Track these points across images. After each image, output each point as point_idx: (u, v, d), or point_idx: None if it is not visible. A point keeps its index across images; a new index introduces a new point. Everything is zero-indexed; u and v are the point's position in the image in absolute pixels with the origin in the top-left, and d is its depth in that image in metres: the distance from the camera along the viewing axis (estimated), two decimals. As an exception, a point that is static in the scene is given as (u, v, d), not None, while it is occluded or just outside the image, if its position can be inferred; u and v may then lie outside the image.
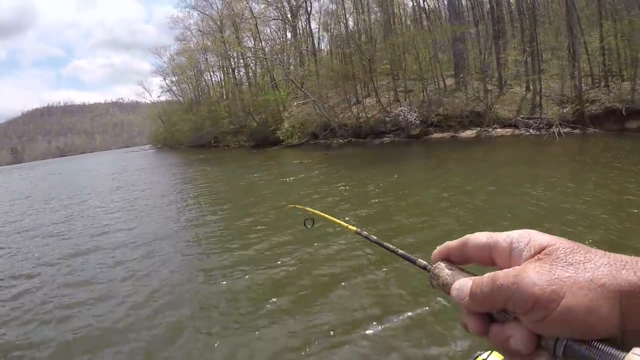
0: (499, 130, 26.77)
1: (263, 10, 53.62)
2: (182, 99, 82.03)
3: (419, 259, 0.72)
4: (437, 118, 30.36)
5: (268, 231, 9.79)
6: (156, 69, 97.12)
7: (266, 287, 6.65)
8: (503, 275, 0.54)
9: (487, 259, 0.61)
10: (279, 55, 52.19)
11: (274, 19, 55.39)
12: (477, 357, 0.89)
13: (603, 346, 0.48)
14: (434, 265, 0.66)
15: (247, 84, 58.90)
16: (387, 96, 36.75)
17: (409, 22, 45.67)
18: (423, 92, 33.45)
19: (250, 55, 54.01)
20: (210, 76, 70.77)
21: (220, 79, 68.40)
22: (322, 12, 51.28)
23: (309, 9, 51.31)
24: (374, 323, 5.05)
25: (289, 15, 53.87)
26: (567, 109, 24.17)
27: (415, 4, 43.24)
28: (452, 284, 0.62)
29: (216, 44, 55.77)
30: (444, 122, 30.06)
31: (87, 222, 14.09)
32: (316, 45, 52.77)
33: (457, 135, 28.54)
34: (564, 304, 0.48)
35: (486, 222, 8.34)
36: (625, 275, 0.48)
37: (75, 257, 9.68)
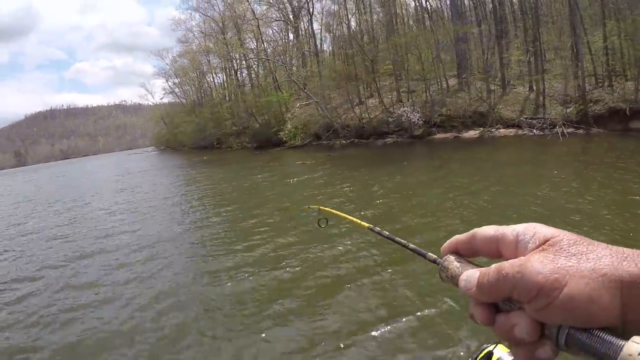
0: (502, 130, 26.72)
1: (265, 12, 53.62)
2: (184, 100, 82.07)
3: (429, 253, 0.75)
4: (440, 118, 30.31)
5: (272, 232, 9.78)
6: (158, 71, 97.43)
7: (271, 288, 6.62)
8: (508, 265, 0.56)
9: (495, 252, 0.63)
10: (282, 57, 52.26)
11: (276, 20, 55.38)
12: (483, 350, 0.89)
13: (604, 334, 0.49)
14: (443, 258, 0.68)
15: (249, 85, 58.94)
16: (390, 97, 36.70)
17: (411, 22, 45.62)
18: (426, 92, 33.40)
19: (253, 57, 54.06)
20: (213, 78, 70.80)
21: (223, 80, 68.51)
22: (324, 12, 51.33)
23: (311, 9, 51.27)
24: (381, 324, 5.03)
25: (291, 17, 53.89)
26: (571, 109, 24.13)
27: (417, 4, 43.27)
28: (460, 276, 0.64)
29: (218, 46, 55.80)
30: (447, 122, 30.01)
31: (91, 225, 14.08)
32: (318, 46, 52.75)
33: (460, 135, 28.51)
34: (566, 291, 0.50)
35: (490, 222, 8.14)
36: (626, 267, 0.50)
37: (79, 260, 9.69)
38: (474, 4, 37.41)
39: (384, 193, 12.91)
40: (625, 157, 14.39)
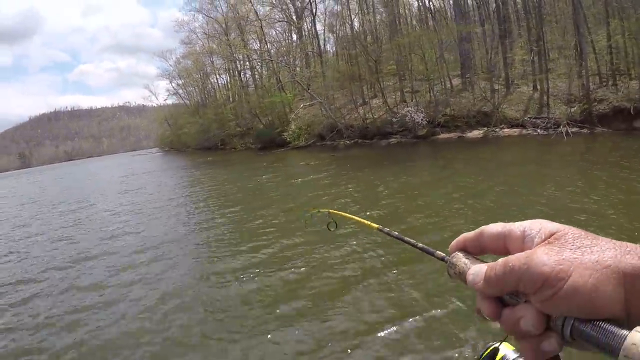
0: (506, 130, 26.68)
1: (268, 13, 53.77)
2: (188, 102, 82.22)
3: (437, 251, 0.76)
4: (444, 118, 30.27)
5: (278, 233, 9.77)
6: (162, 73, 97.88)
7: (277, 289, 6.60)
8: (515, 258, 0.57)
9: (502, 248, 0.64)
10: (285, 57, 52.28)
11: (279, 21, 55.52)
12: (488, 347, 0.91)
13: (607, 325, 0.50)
14: (451, 255, 0.70)
15: (253, 86, 58.98)
16: (394, 97, 36.74)
17: (414, 22, 45.62)
18: (430, 92, 33.42)
19: (256, 58, 54.14)
20: (217, 79, 70.95)
21: (227, 81, 68.54)
22: (327, 13, 51.42)
23: (314, 10, 51.34)
24: (388, 325, 5.02)
25: (294, 17, 53.92)
26: (575, 108, 24.07)
27: (420, 4, 43.28)
28: (468, 271, 0.65)
29: (222, 47, 55.84)
30: (451, 122, 29.97)
31: (95, 226, 14.13)
32: (322, 46, 52.81)
33: (464, 135, 28.47)
34: (571, 282, 0.51)
35: (496, 222, 8.28)
36: (629, 259, 0.52)
37: (84, 261, 9.69)
38: (477, 3, 37.41)
39: (389, 193, 12.91)
40: (629, 156, 14.36)
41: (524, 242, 0.61)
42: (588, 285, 0.51)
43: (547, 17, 31.19)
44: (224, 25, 55.99)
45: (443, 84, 33.92)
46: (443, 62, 33.95)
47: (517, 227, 0.62)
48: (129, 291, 7.35)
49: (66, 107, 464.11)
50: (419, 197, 11.98)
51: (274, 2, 53.07)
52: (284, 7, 53.80)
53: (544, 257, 0.54)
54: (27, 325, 6.49)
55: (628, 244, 0.54)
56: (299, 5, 52.96)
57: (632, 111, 21.12)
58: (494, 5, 34.65)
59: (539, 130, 24.43)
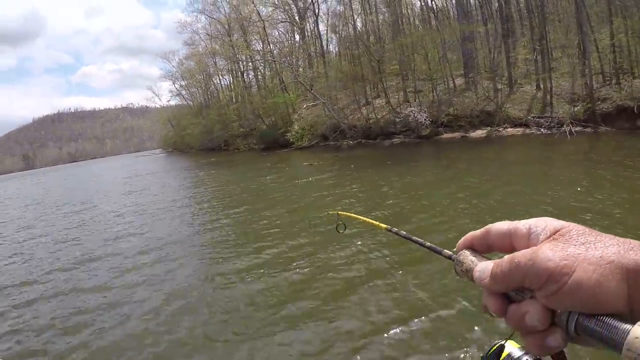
0: (509, 129, 26.63)
1: (271, 13, 53.74)
2: (191, 103, 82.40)
3: (445, 250, 0.78)
4: (447, 118, 30.25)
5: (282, 234, 9.77)
6: (165, 74, 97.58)
7: (283, 290, 6.59)
8: (520, 254, 0.58)
9: (509, 246, 0.66)
10: (288, 58, 52.36)
11: (282, 22, 55.49)
12: (494, 345, 0.93)
13: (611, 320, 0.51)
14: (458, 254, 0.72)
15: (256, 86, 59.06)
16: (397, 97, 36.69)
17: (417, 22, 45.62)
18: (433, 92, 33.38)
19: (259, 58, 54.13)
20: (220, 80, 71.11)
21: (230, 82, 68.80)
22: (329, 13, 51.43)
23: (316, 10, 51.36)
24: (395, 325, 5.01)
25: (296, 18, 53.95)
26: (578, 107, 24.00)
27: (423, 3, 43.18)
28: (474, 268, 0.67)
29: (225, 48, 55.87)
30: (454, 122, 29.96)
31: (99, 227, 14.16)
32: (325, 47, 52.83)
33: (467, 135, 28.44)
34: (575, 277, 0.52)
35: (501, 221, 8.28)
36: (632, 256, 0.52)
37: (88, 263, 9.70)
38: (479, 2, 37.32)
39: (394, 193, 12.90)
40: (633, 155, 14.34)
41: (529, 240, 0.62)
42: (592, 281, 0.52)
43: (550, 16, 31.10)
44: (226, 26, 56.02)
45: (446, 83, 33.89)
46: (446, 62, 33.95)
47: (522, 224, 0.64)
48: (133, 292, 7.35)
49: (69, 109, 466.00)
50: (424, 197, 11.97)
51: (277, 3, 53.11)
52: (287, 7, 53.86)
53: (549, 253, 0.55)
54: (32, 326, 6.50)
55: (631, 240, 0.55)
56: (302, 5, 52.95)
57: (635, 110, 21.06)
58: (497, 4, 34.55)
59: (542, 130, 24.39)
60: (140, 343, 5.54)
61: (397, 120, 32.69)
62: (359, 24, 45.86)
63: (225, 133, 57.67)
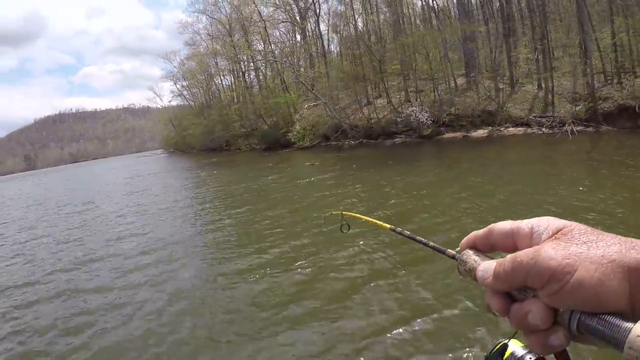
0: (511, 129, 26.60)
1: (272, 13, 53.70)
2: (193, 103, 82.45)
3: (448, 249, 0.78)
4: (449, 118, 30.21)
5: (285, 234, 9.76)
6: (166, 74, 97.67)
7: (286, 291, 6.57)
8: (523, 254, 0.59)
9: (511, 245, 0.66)
10: (289, 58, 52.31)
11: (283, 22, 55.41)
12: (497, 344, 0.94)
13: (613, 318, 0.51)
14: (461, 253, 0.73)
15: (257, 87, 59.12)
16: (398, 96, 36.65)
17: (418, 21, 45.60)
18: (434, 91, 33.34)
19: (260, 59, 54.13)
20: (221, 80, 71.06)
21: (231, 82, 68.82)
22: (330, 13, 51.40)
23: (317, 10, 51.33)
24: (398, 325, 5.00)
25: (297, 18, 53.91)
26: (580, 106, 23.99)
27: (424, 3, 43.11)
28: (477, 267, 0.67)
29: (226, 48, 55.93)
30: (456, 121, 29.92)
31: (101, 228, 14.14)
32: (326, 46, 52.70)
33: (469, 135, 28.41)
34: (577, 276, 0.53)
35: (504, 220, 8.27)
36: (634, 254, 0.53)
37: (90, 263, 9.69)
38: (480, 2, 37.34)
39: (396, 193, 12.88)
40: (635, 154, 14.32)
41: (532, 239, 0.63)
42: (594, 279, 0.52)
43: (551, 15, 31.08)
44: (227, 27, 56.06)
45: (447, 83, 33.87)
46: (447, 62, 33.93)
47: (525, 224, 0.65)
48: (135, 293, 7.34)
49: (71, 109, 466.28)
50: (426, 197, 11.94)
51: (278, 3, 53.06)
52: (288, 7, 53.79)
53: (551, 252, 0.56)
54: (34, 327, 6.50)
55: (633, 239, 0.55)
56: (303, 5, 52.93)
57: (637, 109, 21.02)
58: (498, 4, 34.53)
59: (544, 129, 24.38)
60: (142, 344, 5.52)
61: (399, 120, 32.67)
62: (360, 24, 45.91)
63: (226, 133, 57.68)
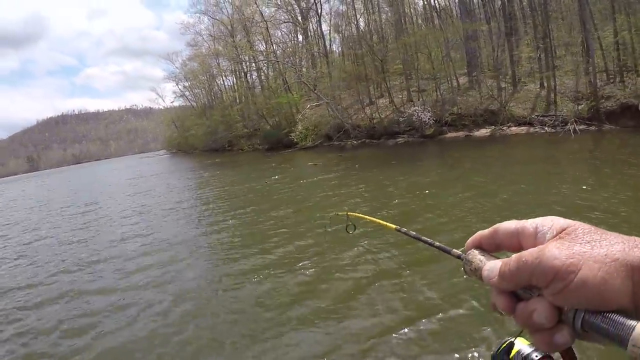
0: (513, 128, 26.57)
1: (273, 14, 53.72)
2: (195, 103, 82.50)
3: (454, 249, 0.80)
4: (451, 117, 30.18)
5: (289, 235, 9.73)
6: (168, 75, 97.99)
7: (291, 291, 6.54)
8: (527, 253, 0.60)
9: (516, 245, 0.67)
10: (291, 58, 52.38)
11: (285, 22, 55.43)
12: (503, 343, 0.95)
13: (616, 316, 0.52)
14: (467, 253, 0.74)
15: (259, 87, 59.22)
16: (400, 96, 36.69)
17: (420, 21, 45.55)
18: (436, 91, 33.37)
19: (262, 59, 54.27)
20: (223, 80, 71.14)
21: (233, 83, 68.82)
22: (332, 13, 51.43)
23: (319, 10, 51.27)
24: (404, 325, 4.99)
25: (299, 18, 53.93)
26: (582, 105, 23.97)
27: (425, 2, 43.25)
28: (483, 267, 0.68)
29: (228, 49, 56.05)
30: (458, 121, 29.89)
31: (105, 229, 14.13)
32: (328, 47, 52.68)
33: (471, 134, 28.40)
34: (581, 275, 0.54)
35: (509, 220, 8.24)
36: (637, 253, 0.54)
37: (94, 264, 9.64)
38: (482, 1, 37.27)
39: (399, 193, 12.84)
40: (638, 153, 14.32)
41: (536, 238, 0.63)
42: (597, 278, 0.53)
43: (553, 13, 31.04)
44: (229, 27, 56.16)
45: (450, 82, 33.80)
46: (449, 61, 33.86)
47: (530, 224, 0.66)
48: (140, 294, 7.31)
49: (73, 111, 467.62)
50: (429, 197, 11.92)
51: (279, 3, 53.11)
52: (289, 8, 53.81)
53: (555, 251, 0.56)
54: (37, 329, 6.47)
55: (636, 238, 0.56)
56: (304, 5, 52.98)
57: (639, 108, 21.01)
58: (500, 2, 34.55)
59: (546, 128, 24.38)
60: (147, 345, 5.51)
61: (401, 119, 32.68)
62: (361, 24, 45.96)
63: (229, 134, 57.71)
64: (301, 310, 5.87)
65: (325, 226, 9.09)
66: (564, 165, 14.36)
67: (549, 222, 0.64)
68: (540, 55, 29.00)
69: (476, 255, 0.71)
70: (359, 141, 35.20)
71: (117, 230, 13.47)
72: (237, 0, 54.02)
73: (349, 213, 1.67)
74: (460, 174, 15.56)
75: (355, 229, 1.66)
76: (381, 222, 1.23)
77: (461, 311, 5.12)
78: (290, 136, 41.45)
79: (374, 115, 36.38)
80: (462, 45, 34.51)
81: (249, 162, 35.35)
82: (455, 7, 42.71)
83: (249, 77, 61.27)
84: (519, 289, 0.63)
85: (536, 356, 0.85)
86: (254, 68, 58.68)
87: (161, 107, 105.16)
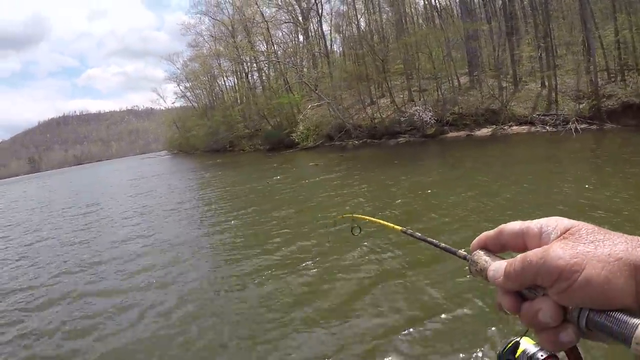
0: (514, 127, 26.54)
1: (274, 14, 53.73)
2: (196, 104, 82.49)
3: (459, 250, 0.80)
4: (452, 117, 30.13)
5: (292, 235, 9.72)
6: (170, 76, 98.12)
7: (295, 292, 6.53)
8: (532, 253, 0.61)
9: (521, 245, 0.68)
10: (292, 58, 52.43)
11: (286, 22, 55.42)
12: (509, 342, 0.96)
13: (620, 315, 0.53)
14: (472, 254, 0.74)
15: (260, 87, 59.20)
16: (402, 96, 36.71)
17: (420, 20, 45.58)
18: (437, 91, 33.35)
19: (263, 59, 54.27)
20: (224, 81, 71.13)
21: (234, 83, 68.72)
22: (333, 13, 51.42)
23: (320, 11, 51.34)
24: (409, 326, 4.98)
25: (300, 18, 53.96)
26: (584, 104, 23.93)
27: (426, 2, 43.24)
28: (488, 268, 0.69)
29: (229, 49, 56.03)
30: (459, 120, 29.84)
31: (107, 230, 14.13)
32: (328, 47, 52.73)
33: (472, 133, 28.37)
34: (585, 274, 0.54)
35: (511, 220, 8.22)
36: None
37: (96, 266, 9.62)
38: (483, 1, 37.23)
39: (402, 193, 12.84)
40: (639, 152, 14.30)
41: (541, 239, 0.64)
42: (601, 277, 0.53)
43: (554, 13, 31.05)
44: (230, 28, 56.19)
45: (451, 82, 33.75)
46: (450, 61, 33.82)
47: (534, 224, 0.66)
48: (142, 295, 7.29)
49: (75, 112, 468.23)
50: (432, 197, 11.90)
51: (280, 4, 53.16)
52: (290, 8, 53.84)
53: (560, 251, 0.57)
54: (39, 330, 6.47)
55: (639, 237, 0.57)
56: (305, 6, 53.01)
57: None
58: (500, 2, 34.51)
59: (547, 127, 24.34)
60: (150, 346, 5.50)
61: (402, 119, 32.66)
62: (362, 24, 45.96)
63: (230, 134, 57.66)
64: (305, 310, 5.86)
65: (327, 226, 9.08)
66: (566, 165, 14.36)
67: (553, 223, 0.64)
68: (541, 55, 28.97)
69: (481, 256, 0.72)
70: (361, 141, 35.18)
71: (119, 231, 13.47)
72: (237, 1, 54.09)
73: (354, 215, 1.67)
74: (462, 173, 15.55)
75: (360, 231, 1.66)
76: (387, 224, 1.23)
77: (466, 311, 5.12)
78: (292, 136, 41.47)
79: (375, 115, 36.34)
80: (463, 44, 34.45)
81: (251, 163, 35.37)
82: (456, 6, 42.70)
83: (250, 78, 61.30)
84: (524, 289, 0.63)
85: (542, 355, 0.86)
86: (255, 68, 58.73)
87: (162, 107, 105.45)
